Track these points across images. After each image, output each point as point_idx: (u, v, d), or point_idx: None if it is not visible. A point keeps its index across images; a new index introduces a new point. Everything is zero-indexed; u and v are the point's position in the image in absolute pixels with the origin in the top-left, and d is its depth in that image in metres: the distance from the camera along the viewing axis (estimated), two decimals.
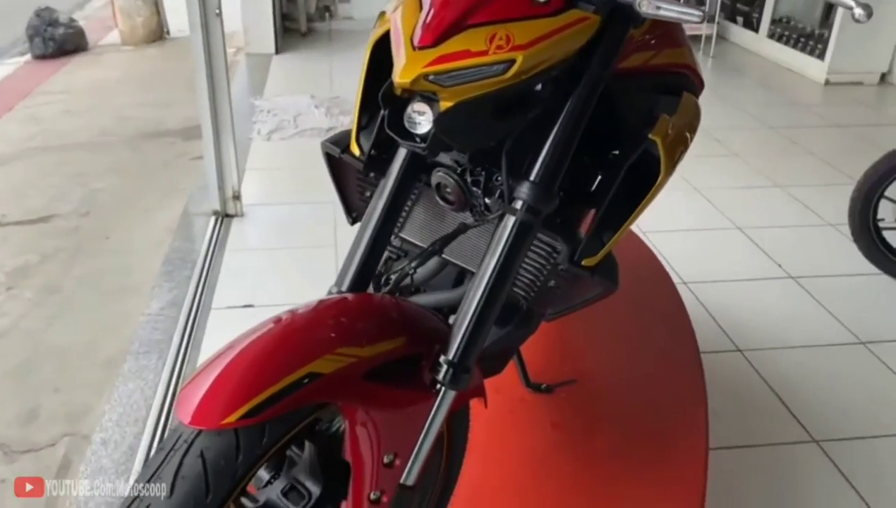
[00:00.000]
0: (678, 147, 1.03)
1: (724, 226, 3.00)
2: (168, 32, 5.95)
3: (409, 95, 0.88)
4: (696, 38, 5.61)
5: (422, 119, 0.88)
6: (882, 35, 4.76)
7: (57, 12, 5.61)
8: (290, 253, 2.75)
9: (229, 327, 2.37)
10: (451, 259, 1.13)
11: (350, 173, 1.17)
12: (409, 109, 0.89)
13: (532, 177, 0.93)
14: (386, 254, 1.24)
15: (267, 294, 2.46)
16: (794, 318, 2.43)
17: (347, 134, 1.14)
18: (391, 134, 0.91)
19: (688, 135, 1.06)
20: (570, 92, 0.91)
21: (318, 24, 5.81)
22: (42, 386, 2.12)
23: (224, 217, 2.96)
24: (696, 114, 1.09)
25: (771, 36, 5.42)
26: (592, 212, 1.06)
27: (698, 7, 0.81)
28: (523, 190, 0.92)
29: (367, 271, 1.02)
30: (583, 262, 1.00)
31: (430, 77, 0.83)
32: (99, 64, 5.42)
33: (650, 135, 0.99)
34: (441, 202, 1.05)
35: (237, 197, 2.97)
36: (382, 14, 1.04)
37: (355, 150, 1.11)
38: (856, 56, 4.82)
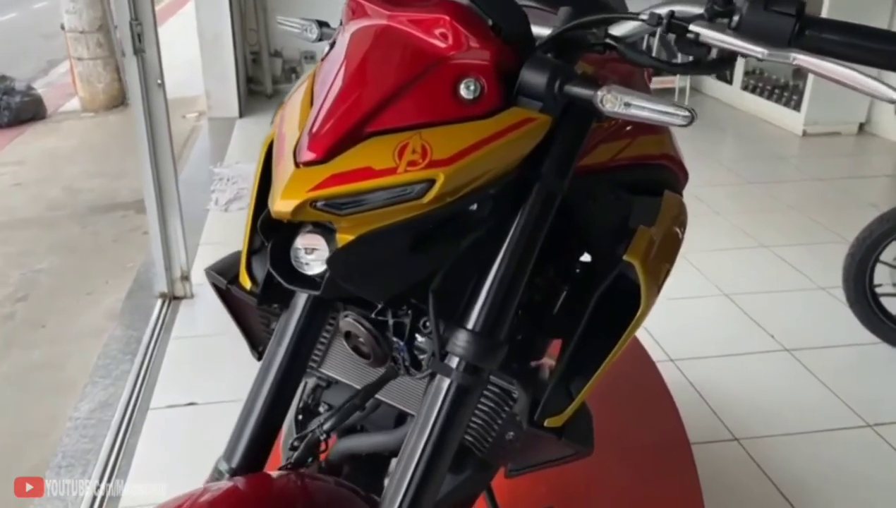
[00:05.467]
0: (662, 266, 0.82)
1: (711, 293, 2.81)
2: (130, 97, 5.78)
3: (300, 222, 0.68)
4: (670, 91, 5.53)
5: (311, 257, 0.68)
6: None
7: (13, 80, 5.44)
8: (243, 339, 2.51)
9: (168, 429, 2.14)
10: (384, 399, 0.91)
11: (248, 303, 0.95)
12: (295, 242, 0.68)
13: (470, 325, 0.71)
14: (314, 381, 1.03)
15: (213, 387, 2.21)
16: (793, 399, 2.22)
17: (236, 258, 0.92)
18: (275, 275, 0.70)
19: (673, 247, 0.86)
20: (516, 207, 0.71)
21: (284, 86, 5.67)
22: None
23: (171, 299, 2.72)
24: (681, 219, 0.89)
25: (745, 88, 5.35)
26: (554, 343, 0.85)
27: (680, 105, 0.61)
28: (459, 342, 0.70)
29: (264, 440, 0.80)
30: (546, 423, 0.79)
31: (319, 203, 0.63)
32: (56, 132, 5.22)
33: (626, 257, 0.78)
34: (354, 354, 0.83)
35: (186, 277, 2.74)
36: (281, 106, 0.84)
37: (245, 282, 0.87)
38: (832, 106, 4.73)
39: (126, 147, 4.81)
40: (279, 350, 0.81)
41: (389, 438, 0.94)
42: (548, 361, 0.85)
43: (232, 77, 4.99)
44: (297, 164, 0.64)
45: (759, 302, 2.74)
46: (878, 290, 2.43)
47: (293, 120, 0.70)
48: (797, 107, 4.85)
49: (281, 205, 0.63)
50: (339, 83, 0.66)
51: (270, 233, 0.71)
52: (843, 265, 2.46)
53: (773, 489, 1.87)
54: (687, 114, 0.60)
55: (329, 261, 0.65)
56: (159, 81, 2.50)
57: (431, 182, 0.62)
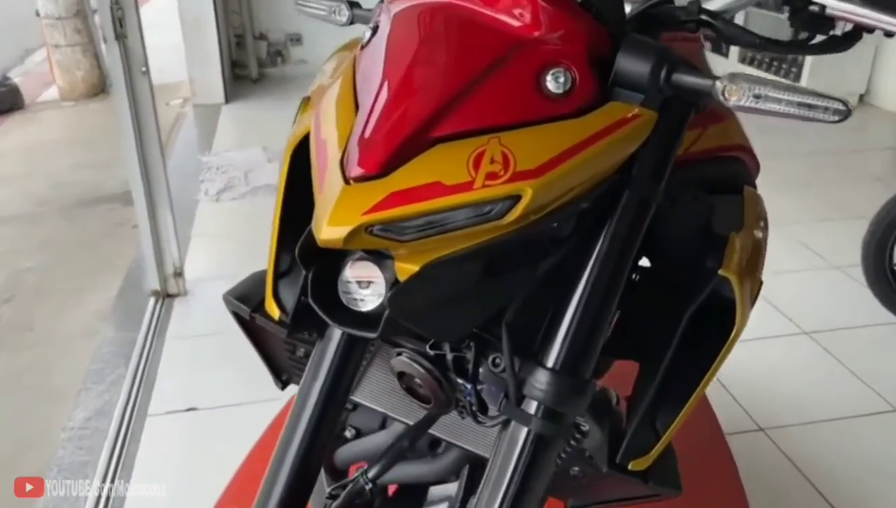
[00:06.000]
0: (755, 278, 0.72)
1: None
2: (111, 85, 5.59)
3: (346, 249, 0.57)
4: None
5: (367, 292, 0.57)
6: (858, 54, 4.60)
7: None
8: (243, 338, 2.39)
9: (168, 437, 2.04)
10: (435, 433, 0.80)
11: (272, 332, 0.84)
12: (344, 273, 0.58)
13: (550, 362, 0.60)
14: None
15: (214, 392, 2.11)
16: (817, 384, 2.15)
17: (258, 281, 0.81)
18: (318, 310, 0.59)
19: (761, 254, 0.75)
20: (601, 220, 0.59)
21: (270, 70, 5.50)
22: None
23: (165, 297, 2.61)
24: (765, 218, 0.79)
25: (742, 60, 5.24)
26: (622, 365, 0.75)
27: (829, 96, 0.50)
28: (538, 384, 0.59)
29: (300, 491, 0.69)
30: (630, 465, 0.68)
31: (376, 228, 0.52)
32: (35, 123, 5.04)
33: (722, 272, 0.67)
34: (408, 397, 0.72)
35: (179, 274, 2.62)
36: (305, 102, 0.72)
37: (273, 311, 0.75)
38: (832, 77, 4.63)
39: (110, 136, 4.63)
40: (314, 387, 0.70)
41: (428, 468, 0.85)
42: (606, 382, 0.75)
43: (216, 61, 4.82)
44: (346, 180, 0.53)
45: (772, 283, 2.64)
46: None
47: (332, 123, 0.58)
48: (797, 79, 4.75)
49: (329, 232, 0.51)
50: (392, 78, 0.55)
51: (310, 260, 0.60)
52: (862, 244, 2.38)
53: (802, 479, 1.80)
54: (841, 107, 0.50)
55: (391, 300, 0.54)
56: (144, 69, 2.37)
57: (516, 198, 0.51)
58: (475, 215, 0.51)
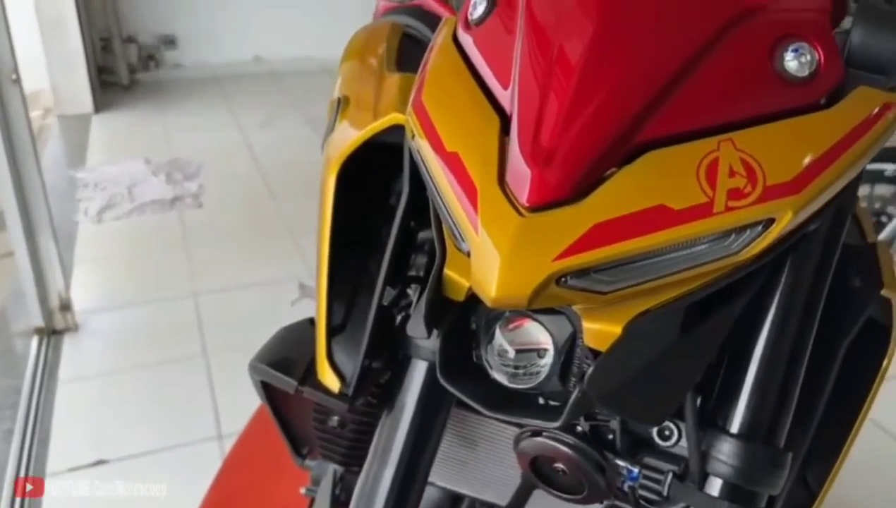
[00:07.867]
0: None
1: None
2: None
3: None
4: None
5: (543, 363, 0.43)
6: None
7: None
8: (147, 373, 2.15)
9: (77, 500, 1.76)
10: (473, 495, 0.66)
11: (303, 401, 0.67)
12: (498, 338, 0.44)
13: (735, 427, 0.48)
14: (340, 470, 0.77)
15: (123, 439, 1.86)
16: None
17: (291, 340, 0.64)
18: (459, 394, 0.45)
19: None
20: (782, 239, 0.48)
21: (142, 75, 5.10)
22: None
23: (51, 335, 2.29)
24: None
25: None
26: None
27: None
28: (723, 455, 0.47)
29: None
30: None
31: (569, 279, 0.38)
32: None
33: (884, 292, 0.57)
34: (539, 486, 0.57)
35: (66, 306, 2.32)
36: (344, 103, 0.55)
37: (329, 381, 0.58)
38: None
39: None
40: (384, 473, 0.54)
41: None
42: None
43: (81, 67, 4.38)
44: (517, 209, 0.38)
45: None
46: None
47: (464, 128, 0.43)
48: None
49: (507, 286, 0.37)
50: (569, 59, 0.41)
51: (436, 317, 0.45)
52: None
53: None
54: None
55: (592, 378, 0.41)
56: (14, 76, 2.06)
57: (768, 223, 0.39)
58: (714, 249, 0.39)
